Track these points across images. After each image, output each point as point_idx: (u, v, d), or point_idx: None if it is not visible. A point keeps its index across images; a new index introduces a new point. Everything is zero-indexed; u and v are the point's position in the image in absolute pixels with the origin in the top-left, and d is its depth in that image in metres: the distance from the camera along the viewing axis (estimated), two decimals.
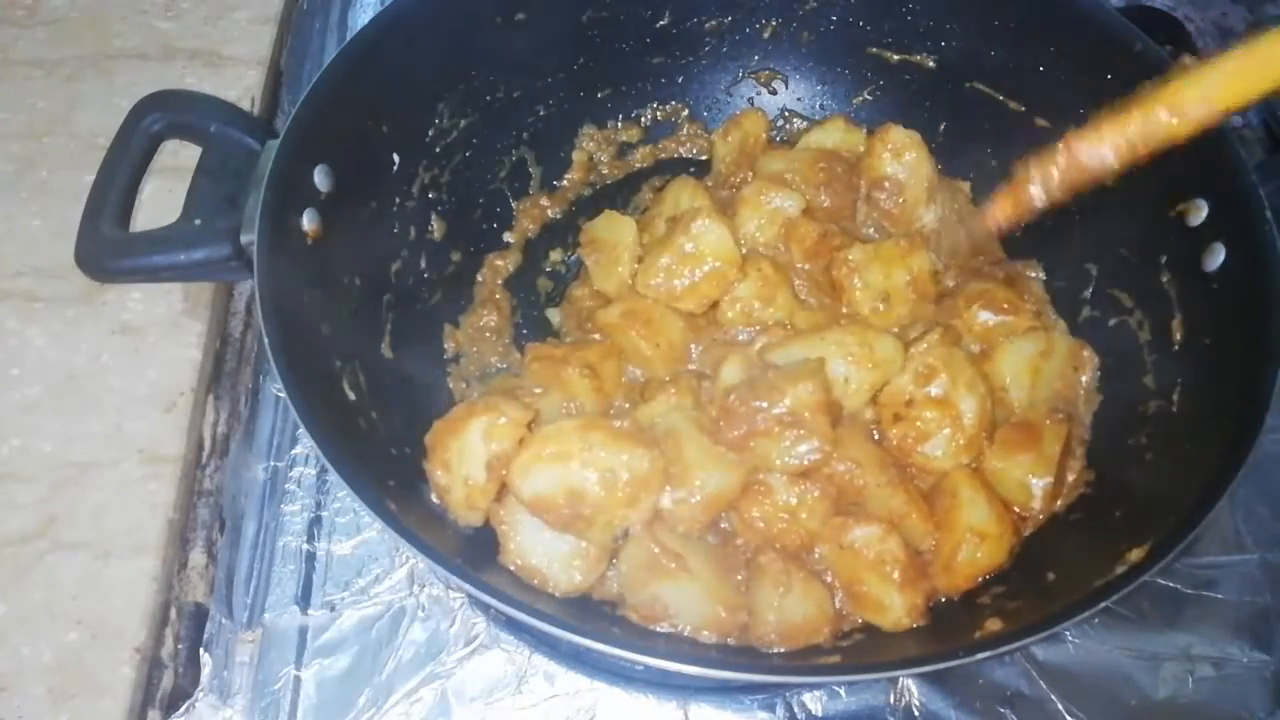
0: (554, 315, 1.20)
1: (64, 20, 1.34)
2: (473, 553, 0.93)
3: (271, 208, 0.91)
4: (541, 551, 0.90)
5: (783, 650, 0.88)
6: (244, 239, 0.93)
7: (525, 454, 0.88)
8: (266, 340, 0.85)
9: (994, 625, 0.82)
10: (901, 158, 1.16)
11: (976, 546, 0.93)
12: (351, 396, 0.96)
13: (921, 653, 0.79)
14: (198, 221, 0.96)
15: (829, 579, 0.94)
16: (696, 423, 0.96)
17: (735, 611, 0.89)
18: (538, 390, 1.01)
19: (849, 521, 0.93)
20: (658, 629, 0.88)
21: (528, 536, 0.91)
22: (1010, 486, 0.98)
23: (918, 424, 0.99)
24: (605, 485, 0.87)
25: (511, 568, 0.91)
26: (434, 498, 0.94)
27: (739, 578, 0.93)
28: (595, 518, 0.88)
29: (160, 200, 1.02)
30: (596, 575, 0.91)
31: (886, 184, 1.16)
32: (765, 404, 0.92)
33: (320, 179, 0.98)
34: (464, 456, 0.91)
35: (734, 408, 0.93)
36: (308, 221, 0.96)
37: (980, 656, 0.76)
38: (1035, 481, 0.97)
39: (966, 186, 1.23)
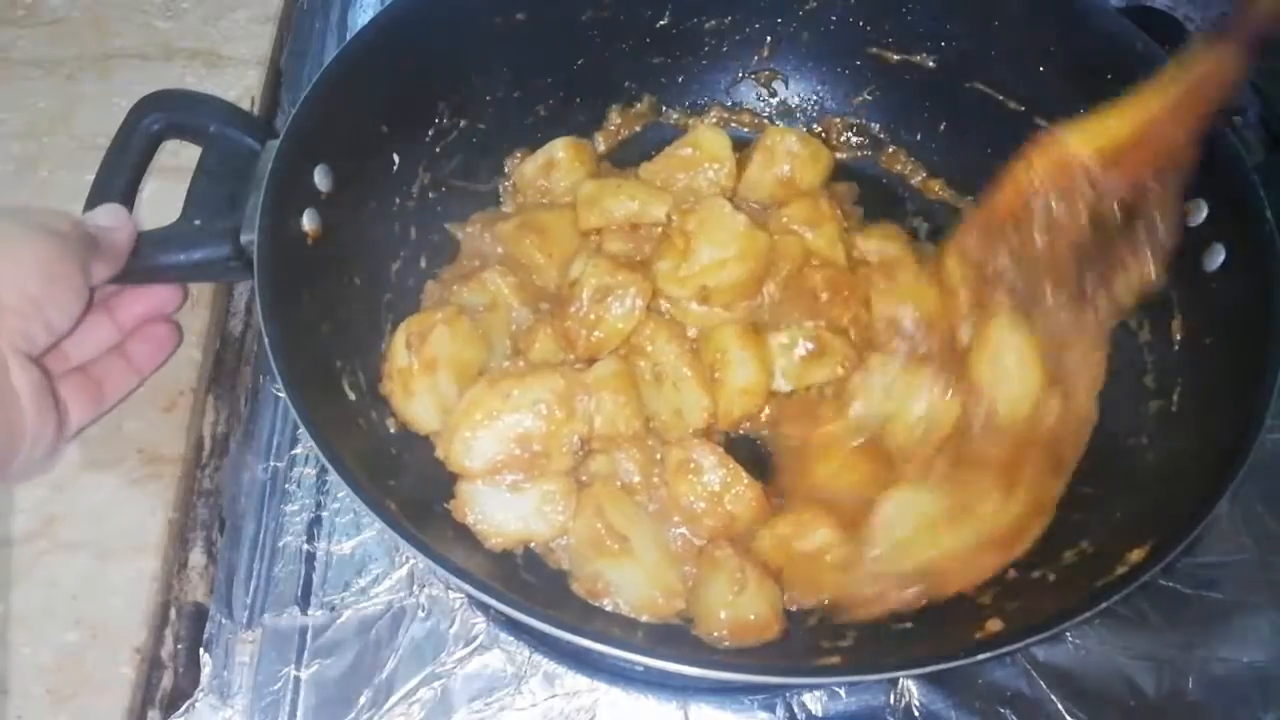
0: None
1: (64, 20, 1.34)
2: (474, 553, 0.94)
3: (271, 208, 0.91)
4: (515, 518, 0.95)
5: (730, 646, 0.90)
6: (244, 239, 0.93)
7: (458, 435, 0.94)
8: (266, 341, 0.85)
9: (995, 626, 0.82)
10: None
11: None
12: (351, 396, 0.96)
13: (923, 653, 0.79)
14: (197, 222, 0.96)
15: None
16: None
17: (672, 599, 0.92)
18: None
19: (803, 520, 0.95)
20: (602, 605, 0.91)
21: (496, 514, 0.95)
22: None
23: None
24: (539, 415, 0.95)
25: (500, 551, 0.95)
26: (390, 426, 0.99)
27: (687, 568, 0.95)
28: (549, 446, 0.95)
29: (161, 200, 1.02)
30: (573, 508, 0.96)
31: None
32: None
33: (320, 179, 0.98)
34: (393, 355, 0.99)
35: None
36: (308, 222, 0.96)
37: (982, 657, 0.77)
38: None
39: None
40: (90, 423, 0.99)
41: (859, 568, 0.93)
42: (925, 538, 0.93)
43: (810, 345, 1.05)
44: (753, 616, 0.90)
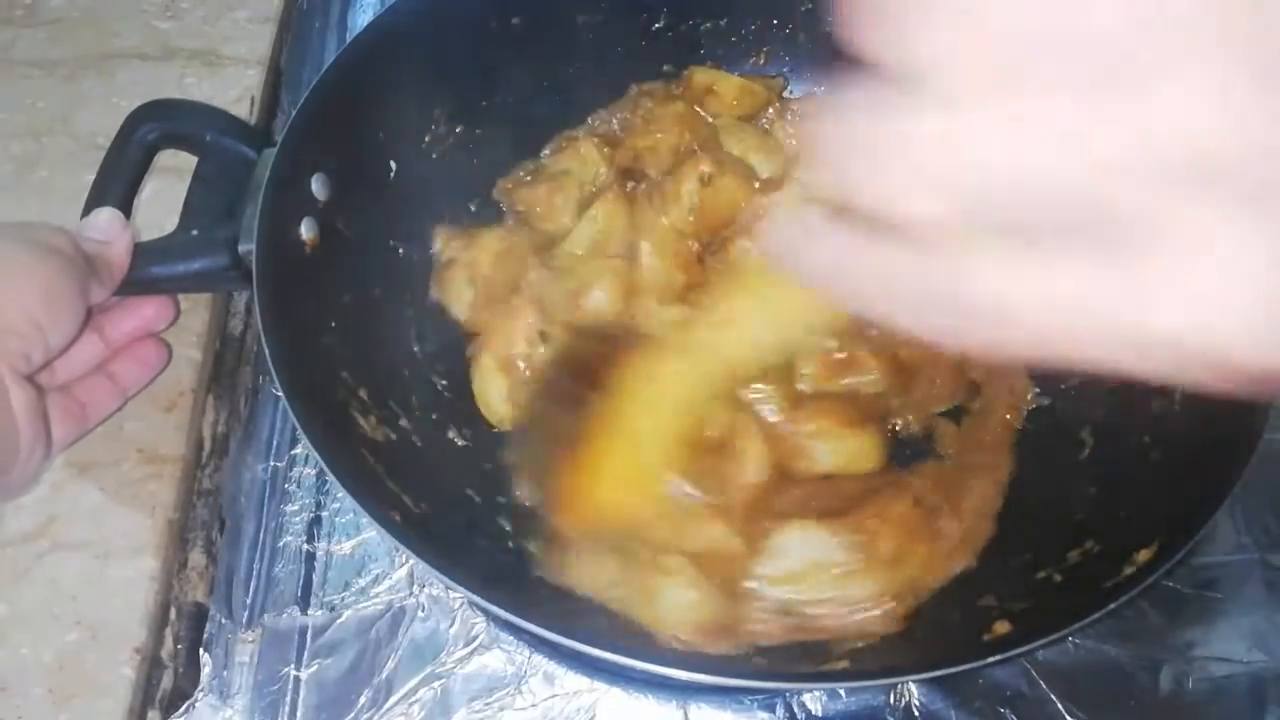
0: None
1: (64, 20, 1.34)
2: (477, 559, 0.93)
3: (269, 217, 0.91)
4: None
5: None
6: (242, 249, 0.92)
7: (452, 285, 1.05)
8: (266, 351, 0.85)
9: (1002, 628, 0.82)
10: None
11: None
12: (355, 405, 0.96)
13: (930, 657, 0.79)
14: (195, 232, 0.95)
15: None
16: None
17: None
18: None
19: None
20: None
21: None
22: None
23: None
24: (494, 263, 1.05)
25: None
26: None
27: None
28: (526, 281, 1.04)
29: (163, 199, 1.02)
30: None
31: None
32: None
33: (318, 187, 0.98)
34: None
35: None
36: (306, 230, 0.96)
37: (992, 660, 0.76)
38: None
39: None
40: (71, 444, 0.99)
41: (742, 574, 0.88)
42: (816, 576, 0.88)
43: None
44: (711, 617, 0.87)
